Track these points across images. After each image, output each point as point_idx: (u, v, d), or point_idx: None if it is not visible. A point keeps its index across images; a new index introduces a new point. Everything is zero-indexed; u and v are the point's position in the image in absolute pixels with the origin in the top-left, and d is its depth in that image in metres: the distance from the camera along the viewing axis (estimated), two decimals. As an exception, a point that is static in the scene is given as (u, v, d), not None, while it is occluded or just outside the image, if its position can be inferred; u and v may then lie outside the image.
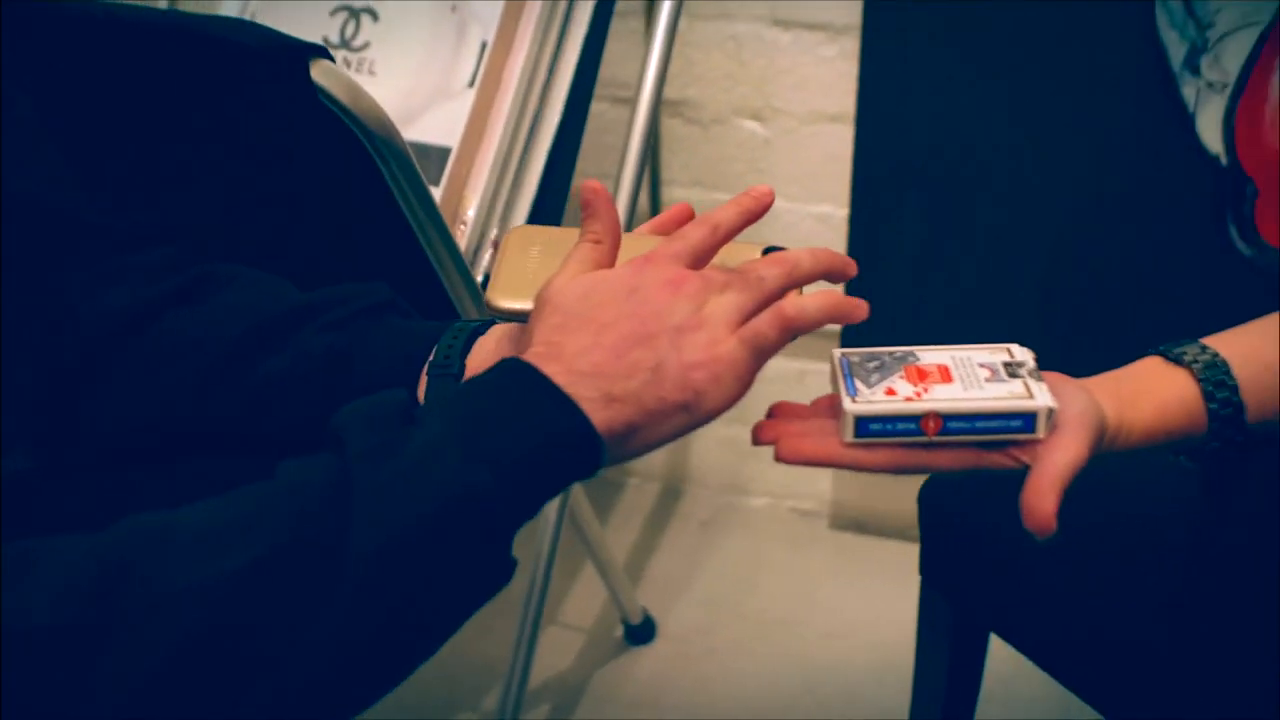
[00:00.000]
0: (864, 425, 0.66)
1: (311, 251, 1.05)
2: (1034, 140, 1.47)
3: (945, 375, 0.68)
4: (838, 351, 0.72)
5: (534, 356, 0.62)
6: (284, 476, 0.58)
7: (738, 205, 0.70)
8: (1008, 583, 0.95)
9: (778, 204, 0.71)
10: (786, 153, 1.67)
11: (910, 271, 1.57)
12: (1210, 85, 1.39)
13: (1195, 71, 1.39)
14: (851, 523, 1.82)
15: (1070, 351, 0.79)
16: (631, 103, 1.29)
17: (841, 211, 1.66)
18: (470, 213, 1.19)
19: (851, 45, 1.57)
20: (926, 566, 1.01)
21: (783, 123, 1.66)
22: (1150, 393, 0.71)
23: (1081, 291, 1.50)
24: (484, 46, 1.22)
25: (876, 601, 1.64)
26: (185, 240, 0.85)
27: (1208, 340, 0.73)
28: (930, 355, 0.71)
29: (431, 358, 0.75)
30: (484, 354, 0.75)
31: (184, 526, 0.56)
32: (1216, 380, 0.71)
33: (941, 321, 1.56)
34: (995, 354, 0.71)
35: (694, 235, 0.67)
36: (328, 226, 1.05)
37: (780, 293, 0.66)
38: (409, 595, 0.56)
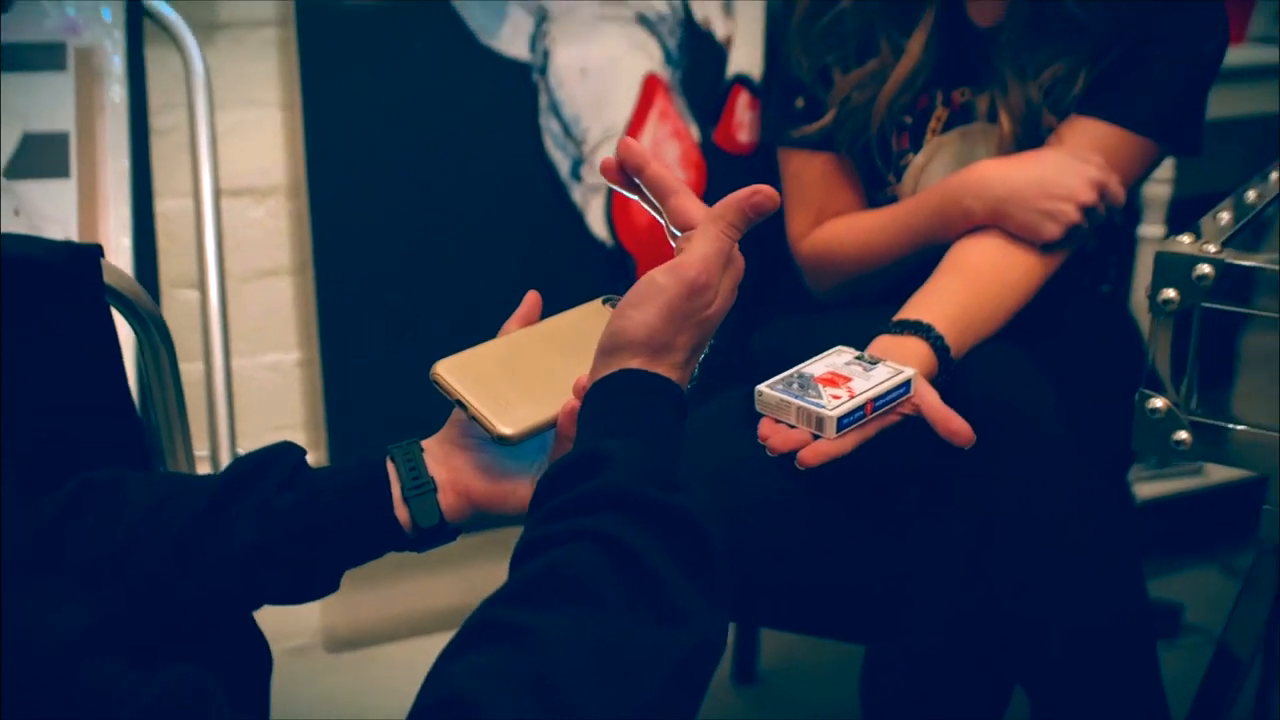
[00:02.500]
0: (842, 422, 0.92)
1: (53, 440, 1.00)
2: (469, 257, 1.74)
3: (843, 377, 0.96)
4: (764, 386, 0.96)
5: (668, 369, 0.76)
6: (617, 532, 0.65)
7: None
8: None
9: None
10: (230, 312, 1.73)
11: (383, 393, 1.74)
12: (592, 189, 1.78)
13: (579, 179, 1.78)
14: (345, 643, 1.91)
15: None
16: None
17: (290, 356, 1.78)
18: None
19: (277, 204, 1.71)
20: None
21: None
22: (911, 354, 1.05)
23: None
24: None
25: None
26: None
27: (904, 315, 1.10)
28: (813, 368, 0.98)
29: (400, 484, 0.84)
30: (441, 466, 0.85)
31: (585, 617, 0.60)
32: (934, 336, 1.07)
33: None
34: (841, 355, 1.00)
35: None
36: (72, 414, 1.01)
37: None
38: None
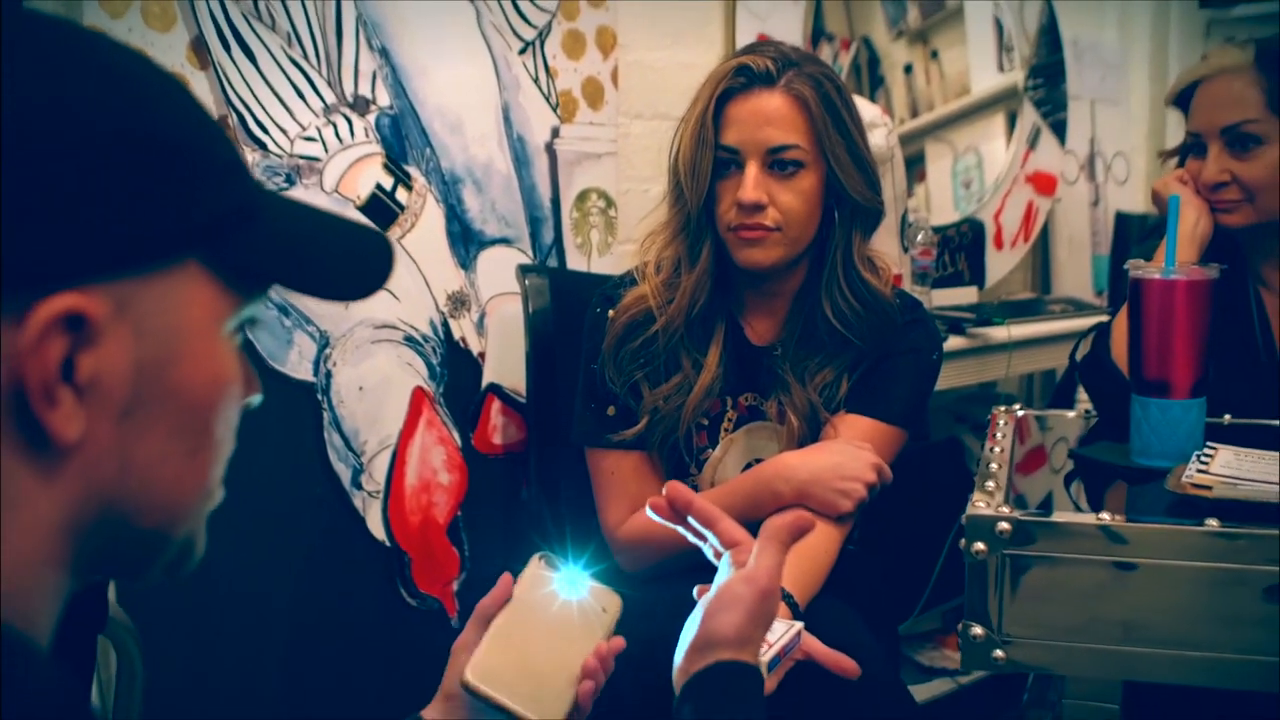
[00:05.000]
0: (769, 667, 1.14)
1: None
2: (259, 562, 1.82)
3: None
4: None
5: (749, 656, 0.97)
6: None
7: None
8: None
9: None
10: None
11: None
12: (371, 495, 1.93)
13: (359, 487, 1.92)
14: None
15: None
16: None
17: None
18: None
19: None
20: None
21: None
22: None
23: (318, 654, 1.88)
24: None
25: None
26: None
27: None
28: None
29: None
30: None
31: None
32: (786, 595, 1.33)
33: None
34: None
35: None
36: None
37: None
38: None
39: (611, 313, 1.57)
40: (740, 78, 1.49)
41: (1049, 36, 3.04)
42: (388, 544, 1.96)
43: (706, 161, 1.50)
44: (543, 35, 2.09)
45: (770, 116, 1.48)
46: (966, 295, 2.69)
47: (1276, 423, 1.60)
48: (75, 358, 0.56)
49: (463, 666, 1.00)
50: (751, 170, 1.48)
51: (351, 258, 0.71)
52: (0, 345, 0.55)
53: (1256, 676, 1.16)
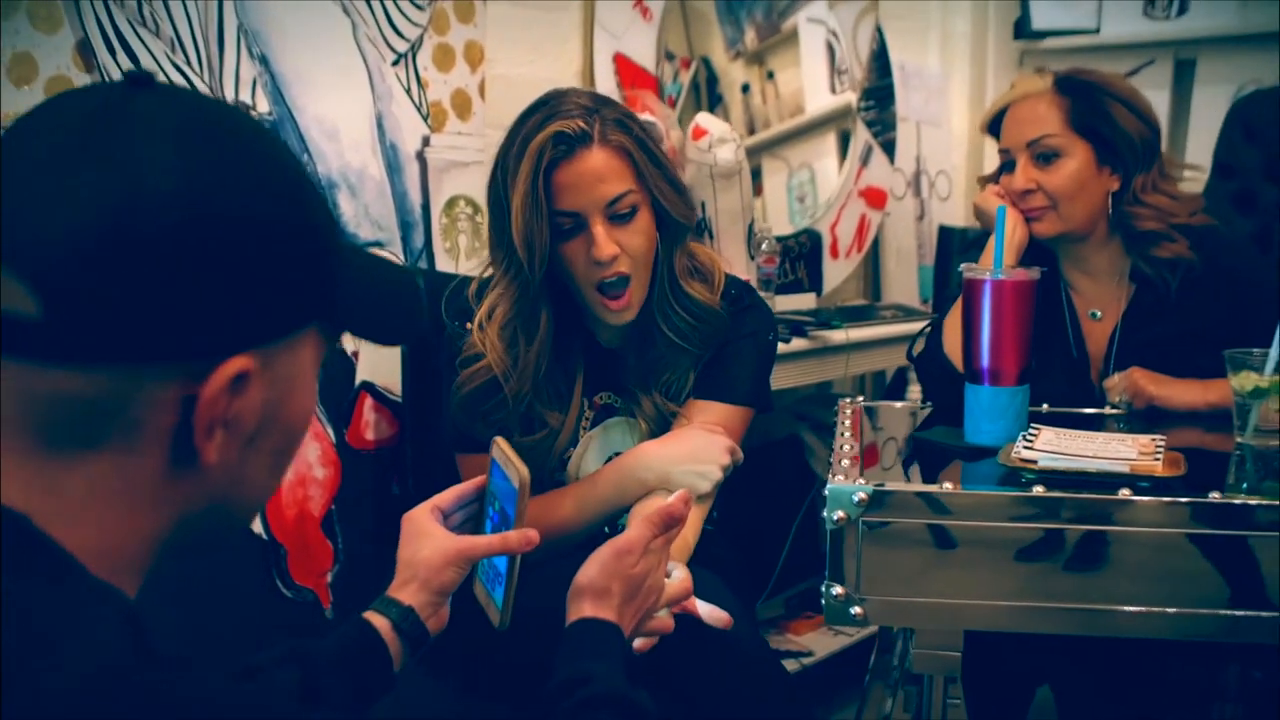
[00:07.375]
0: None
1: None
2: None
3: None
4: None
5: (608, 610, 1.12)
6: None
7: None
8: None
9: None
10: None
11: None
12: (249, 487, 1.98)
13: (238, 480, 1.97)
14: None
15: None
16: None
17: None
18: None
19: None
20: None
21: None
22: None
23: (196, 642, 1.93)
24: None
25: None
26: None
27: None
28: None
29: (393, 624, 1.16)
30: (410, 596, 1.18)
31: None
32: (663, 567, 1.45)
33: None
34: None
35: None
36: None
37: None
38: None
39: (471, 330, 1.65)
40: (561, 145, 1.55)
41: (880, 61, 3.26)
42: (264, 536, 2.02)
43: (544, 232, 1.55)
44: (415, 48, 2.18)
45: (601, 173, 1.55)
46: (806, 301, 2.87)
47: (1086, 410, 1.80)
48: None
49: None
50: (598, 228, 1.56)
51: (399, 312, 0.86)
52: (166, 393, 0.69)
53: (1074, 622, 1.35)
